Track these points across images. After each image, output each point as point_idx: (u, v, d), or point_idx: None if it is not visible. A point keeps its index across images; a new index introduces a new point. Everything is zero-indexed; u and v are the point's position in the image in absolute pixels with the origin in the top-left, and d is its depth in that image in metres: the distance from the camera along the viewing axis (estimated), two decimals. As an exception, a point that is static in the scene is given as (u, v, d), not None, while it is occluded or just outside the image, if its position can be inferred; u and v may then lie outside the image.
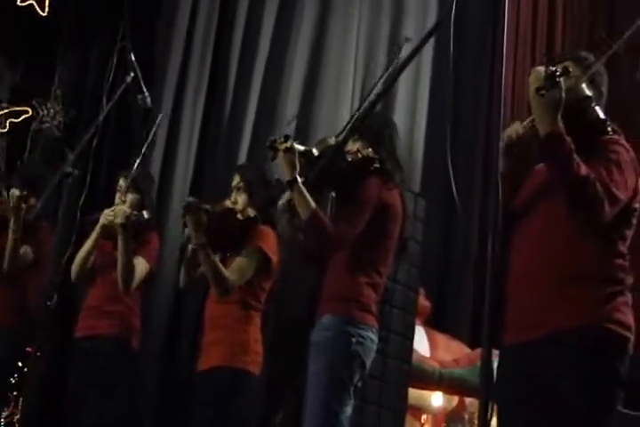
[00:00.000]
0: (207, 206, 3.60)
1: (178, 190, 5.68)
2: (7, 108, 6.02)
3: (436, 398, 5.45)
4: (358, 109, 3.49)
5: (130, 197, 4.08)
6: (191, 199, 3.61)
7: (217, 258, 3.61)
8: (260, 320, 3.71)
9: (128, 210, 3.92)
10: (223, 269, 3.57)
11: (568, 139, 2.42)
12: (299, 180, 3.08)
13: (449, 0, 1.98)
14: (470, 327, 6.28)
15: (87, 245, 4.04)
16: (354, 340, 3.07)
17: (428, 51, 6.88)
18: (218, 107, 6.05)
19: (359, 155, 3.24)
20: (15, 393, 4.71)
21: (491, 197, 2.09)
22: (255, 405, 3.90)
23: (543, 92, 2.41)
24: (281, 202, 3.20)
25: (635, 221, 2.64)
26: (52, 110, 5.78)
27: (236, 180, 3.84)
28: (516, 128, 2.70)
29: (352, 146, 3.31)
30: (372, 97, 3.34)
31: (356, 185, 3.18)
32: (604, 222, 2.48)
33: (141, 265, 3.99)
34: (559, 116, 2.43)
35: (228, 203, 3.81)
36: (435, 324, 5.93)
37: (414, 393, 5.16)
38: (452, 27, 2.29)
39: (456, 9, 2.44)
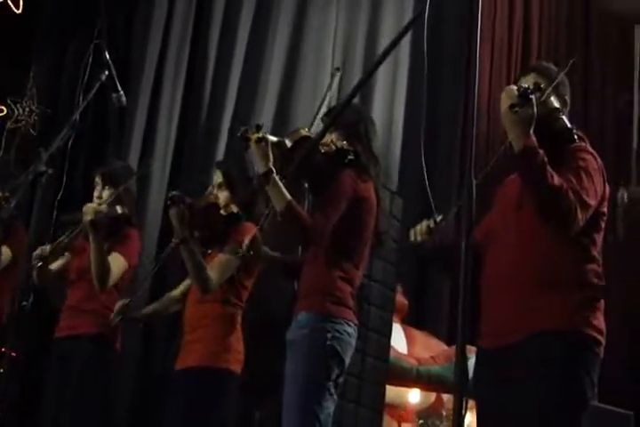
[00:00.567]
0: (191, 200, 3.57)
1: (155, 187, 5.66)
2: (-19, 106, 5.98)
3: (414, 395, 5.47)
4: (323, 102, 3.46)
5: (106, 192, 4.04)
6: (176, 192, 3.56)
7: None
8: (240, 318, 3.68)
9: (96, 206, 3.86)
10: (205, 266, 3.53)
11: (541, 151, 2.50)
12: (273, 171, 3.06)
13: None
14: (448, 324, 6.31)
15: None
16: (329, 335, 3.04)
17: (405, 49, 6.90)
18: (195, 103, 6.04)
19: (333, 147, 3.22)
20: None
21: (465, 199, 2.10)
22: (235, 404, 3.89)
23: (516, 109, 2.48)
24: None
25: (603, 225, 2.72)
26: (27, 109, 5.75)
27: (217, 176, 3.81)
28: None
29: (327, 138, 3.28)
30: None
31: (330, 177, 3.15)
32: (577, 229, 2.56)
33: (118, 262, 3.94)
34: (531, 130, 2.51)
35: (211, 198, 3.77)
36: (413, 321, 5.95)
37: (392, 390, 5.17)
38: (426, 30, 2.28)
39: (433, 6, 2.46)
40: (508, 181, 2.85)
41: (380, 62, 2.80)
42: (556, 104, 2.72)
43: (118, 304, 3.74)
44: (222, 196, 3.78)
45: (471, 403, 3.08)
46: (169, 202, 3.48)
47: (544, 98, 2.64)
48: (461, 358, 1.87)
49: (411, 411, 5.46)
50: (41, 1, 5.99)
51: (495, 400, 2.58)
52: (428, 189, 2.17)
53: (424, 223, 2.71)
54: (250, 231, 3.64)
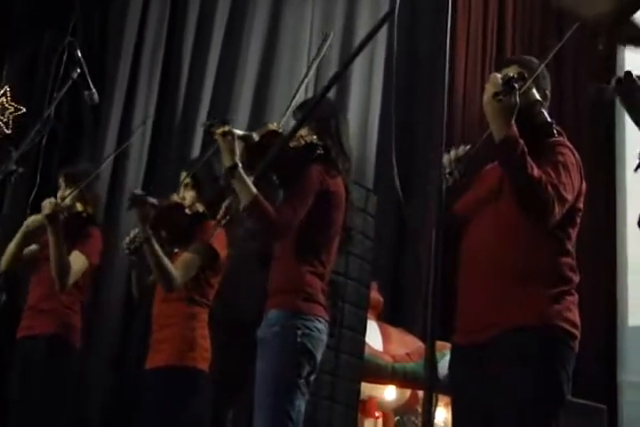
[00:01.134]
0: (154, 200, 3.56)
1: (130, 187, 5.64)
2: (-47, 104, 5.94)
3: (389, 392, 5.49)
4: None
5: (69, 192, 4.00)
6: (137, 192, 3.56)
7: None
8: (207, 317, 3.69)
9: (55, 201, 3.82)
10: (169, 264, 3.54)
11: (522, 142, 2.51)
12: (238, 165, 3.05)
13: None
14: (424, 321, 6.30)
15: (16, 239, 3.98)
16: (299, 332, 3.02)
17: (382, 44, 6.90)
18: (171, 101, 6.02)
19: (302, 141, 3.21)
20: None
21: (434, 196, 2.06)
22: (207, 402, 3.90)
23: (500, 97, 2.49)
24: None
25: (579, 220, 2.73)
26: (0, 107, 5.72)
27: (184, 176, 3.81)
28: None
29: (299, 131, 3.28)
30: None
31: (298, 171, 3.14)
32: (553, 223, 2.57)
33: (79, 260, 3.93)
34: (513, 120, 2.52)
35: (175, 197, 3.78)
36: (388, 318, 5.96)
37: (367, 387, 5.19)
38: (397, 27, 2.27)
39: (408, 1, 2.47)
40: (487, 170, 2.85)
41: (354, 56, 2.78)
42: (538, 96, 2.73)
43: None
44: (189, 195, 3.79)
45: (447, 399, 3.12)
46: (129, 201, 3.48)
47: (525, 89, 2.63)
48: (431, 354, 1.87)
49: (375, 405, 5.48)
50: (13, -1, 5.96)
51: (471, 397, 2.59)
52: (397, 182, 2.14)
53: (452, 153, 2.69)
54: (215, 230, 3.67)
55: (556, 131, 2.74)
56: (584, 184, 2.72)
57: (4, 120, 5.67)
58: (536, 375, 2.49)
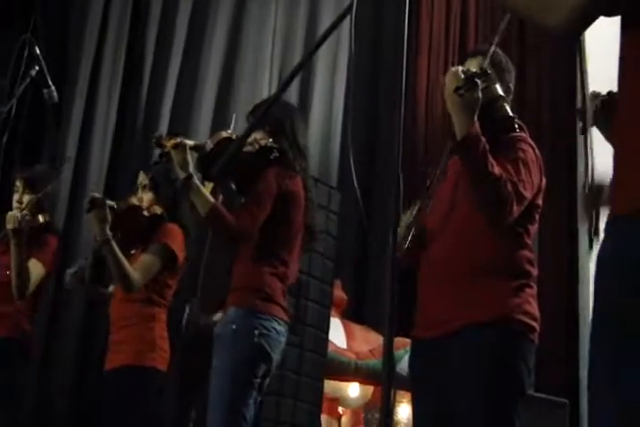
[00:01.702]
0: (112, 203, 3.58)
1: (91, 191, 5.59)
2: None
3: (353, 390, 5.50)
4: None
5: (26, 197, 4.02)
6: (95, 195, 3.57)
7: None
8: (165, 317, 3.71)
9: (19, 214, 3.84)
10: (128, 266, 3.54)
11: (483, 139, 2.47)
12: (192, 176, 3.05)
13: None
14: (387, 318, 6.32)
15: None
16: (256, 332, 3.02)
17: (345, 40, 6.90)
18: (133, 104, 5.98)
19: (257, 145, 3.22)
20: None
21: (391, 194, 2.07)
22: (169, 403, 3.90)
23: (462, 92, 2.44)
24: None
25: (537, 216, 2.73)
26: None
27: (141, 178, 3.82)
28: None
29: (254, 134, 3.28)
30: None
31: (255, 176, 3.15)
32: (510, 221, 2.55)
33: (37, 269, 3.95)
34: (475, 117, 2.48)
35: (134, 200, 3.79)
36: (352, 315, 5.97)
37: (331, 385, 5.20)
38: (361, 31, 2.27)
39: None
40: (449, 164, 2.79)
41: (311, 54, 2.77)
42: (500, 91, 2.68)
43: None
44: (146, 197, 3.79)
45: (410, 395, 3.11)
46: (88, 205, 3.47)
47: (489, 84, 2.60)
48: (389, 351, 1.86)
49: (358, 409, 5.49)
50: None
51: (432, 390, 2.58)
52: (355, 182, 2.13)
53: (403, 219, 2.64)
54: (173, 232, 3.67)
55: (518, 125, 2.69)
56: (544, 180, 2.70)
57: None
58: (496, 369, 2.48)
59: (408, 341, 2.79)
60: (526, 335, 2.54)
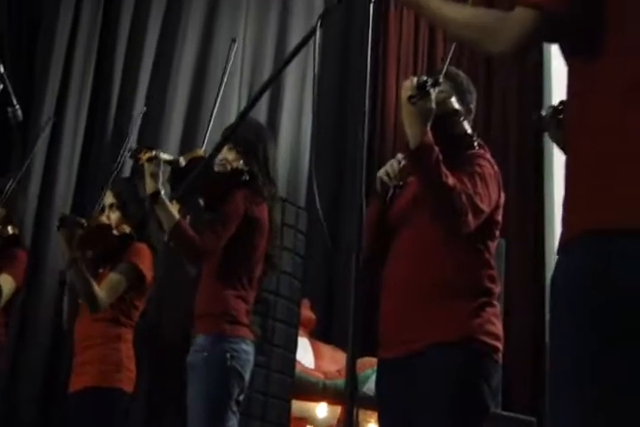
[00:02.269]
0: (83, 220, 3.57)
1: (59, 208, 5.55)
2: None
3: (321, 410, 5.48)
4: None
5: None
6: (66, 213, 3.56)
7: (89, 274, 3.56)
8: (131, 337, 3.68)
9: None
10: (95, 285, 3.53)
11: (437, 149, 2.48)
12: (160, 191, 3.06)
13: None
14: (350, 337, 6.30)
15: None
16: (228, 355, 3.09)
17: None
18: (101, 121, 5.96)
19: (229, 166, 3.24)
20: None
21: (354, 213, 2.06)
22: (136, 424, 3.87)
23: (415, 100, 2.47)
24: None
25: (498, 233, 2.73)
26: None
27: (109, 197, 3.80)
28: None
29: (226, 155, 3.30)
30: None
31: (224, 196, 3.17)
32: (467, 233, 2.55)
33: (7, 283, 3.90)
34: (429, 127, 2.49)
35: (104, 218, 3.77)
36: (320, 335, 5.96)
37: (299, 405, 5.18)
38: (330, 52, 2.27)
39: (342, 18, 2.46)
40: (407, 184, 2.79)
41: (277, 74, 2.80)
42: (457, 106, 2.72)
43: None
44: (114, 216, 3.77)
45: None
46: (59, 222, 3.46)
47: (444, 98, 2.65)
48: (352, 370, 1.86)
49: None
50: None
51: (397, 411, 2.59)
52: (318, 203, 2.13)
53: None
54: (142, 252, 3.66)
55: (478, 144, 2.72)
56: (502, 196, 2.71)
57: None
58: (459, 389, 2.49)
59: (375, 360, 2.80)
60: (490, 356, 2.55)
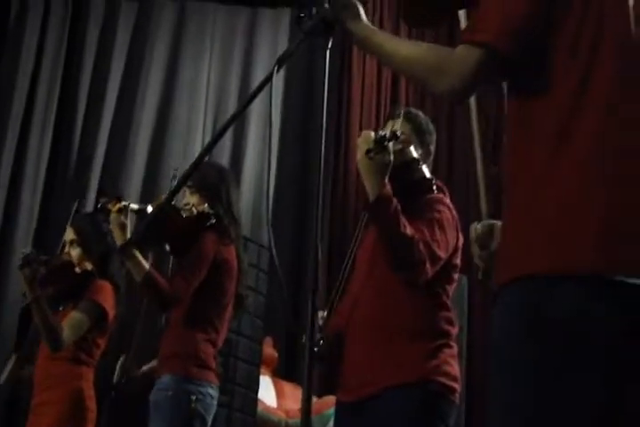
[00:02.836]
0: (46, 257, 3.53)
1: (20, 242, 5.53)
2: None
3: (283, 449, 5.46)
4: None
5: None
6: (29, 251, 3.52)
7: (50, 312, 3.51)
8: (92, 376, 3.63)
9: None
10: (57, 323, 3.48)
11: (395, 201, 2.50)
12: (130, 242, 3.07)
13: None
14: (318, 376, 6.31)
15: None
16: (193, 397, 3.08)
17: (278, 100, 6.98)
18: (64, 156, 5.97)
19: (194, 210, 3.26)
20: None
21: (310, 256, 2.06)
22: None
23: (372, 155, 2.46)
24: None
25: (456, 276, 2.77)
26: None
27: (69, 233, 3.77)
28: None
29: (189, 199, 3.33)
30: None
31: (191, 241, 3.19)
32: (424, 281, 2.57)
33: None
34: (386, 179, 2.50)
35: (67, 255, 3.74)
36: (283, 373, 5.94)
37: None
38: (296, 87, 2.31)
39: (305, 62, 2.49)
40: (368, 231, 2.80)
41: (235, 116, 2.80)
42: (415, 154, 2.71)
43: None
44: (75, 253, 3.74)
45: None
46: (22, 260, 3.44)
47: (403, 147, 2.65)
48: (306, 411, 1.86)
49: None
50: None
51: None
52: (272, 243, 2.14)
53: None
54: (104, 289, 3.65)
55: (436, 187, 2.73)
56: (461, 240, 2.72)
57: None
58: None
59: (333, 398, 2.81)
60: (446, 396, 2.56)
